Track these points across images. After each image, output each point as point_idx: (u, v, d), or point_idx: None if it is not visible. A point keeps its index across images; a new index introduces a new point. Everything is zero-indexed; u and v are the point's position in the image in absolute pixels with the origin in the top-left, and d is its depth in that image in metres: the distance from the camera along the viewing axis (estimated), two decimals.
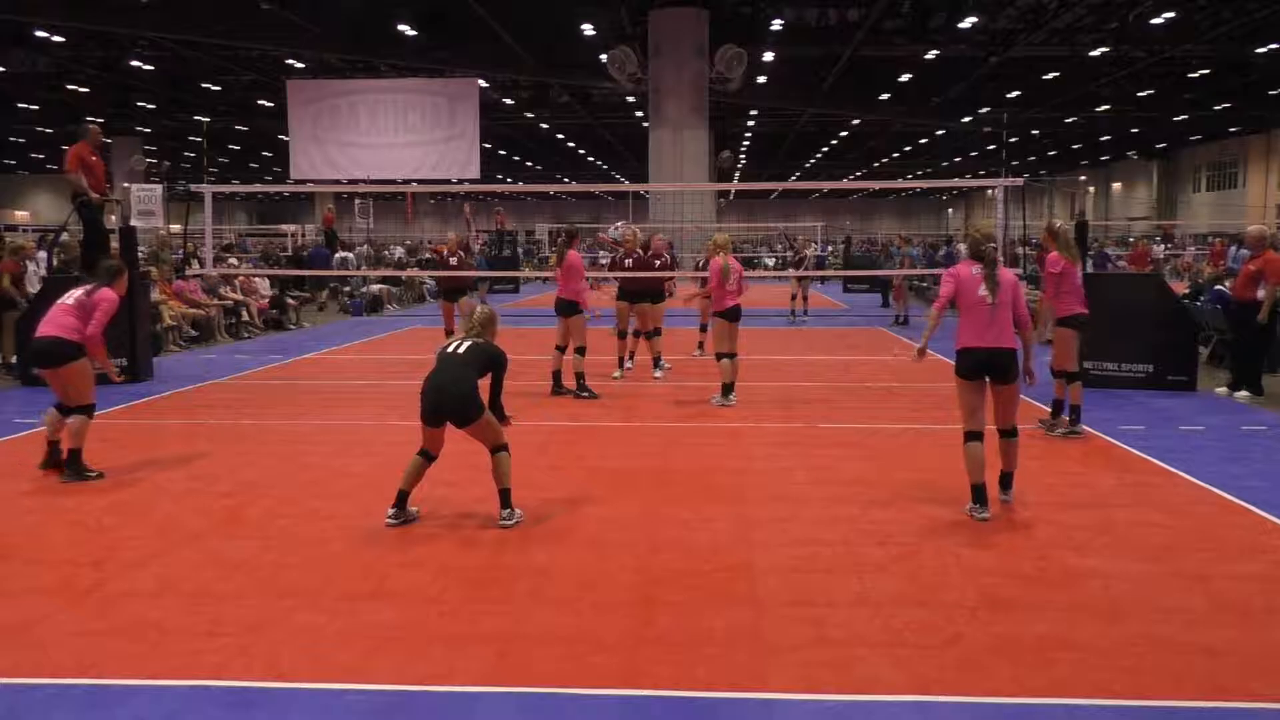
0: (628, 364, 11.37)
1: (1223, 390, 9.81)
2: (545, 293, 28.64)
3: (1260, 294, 9.38)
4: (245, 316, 16.33)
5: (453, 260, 12.19)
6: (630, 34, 28.85)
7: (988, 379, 5.71)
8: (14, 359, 10.93)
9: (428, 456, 5.61)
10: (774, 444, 7.63)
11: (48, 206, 58.80)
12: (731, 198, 68.74)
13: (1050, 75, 33.73)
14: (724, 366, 9.19)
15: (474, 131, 32.59)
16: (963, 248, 7.52)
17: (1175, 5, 24.91)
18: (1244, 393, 9.62)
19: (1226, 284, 12.44)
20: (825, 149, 57.24)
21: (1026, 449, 7.36)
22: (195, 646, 3.86)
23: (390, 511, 5.51)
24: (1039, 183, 56.39)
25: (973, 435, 5.69)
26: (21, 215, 55.48)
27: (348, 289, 21.28)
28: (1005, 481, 5.95)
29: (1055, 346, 7.98)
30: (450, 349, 5.70)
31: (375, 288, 21.37)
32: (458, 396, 5.46)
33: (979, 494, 5.64)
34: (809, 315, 18.99)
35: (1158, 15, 25.66)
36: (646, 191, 32.43)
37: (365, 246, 28.73)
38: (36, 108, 40.14)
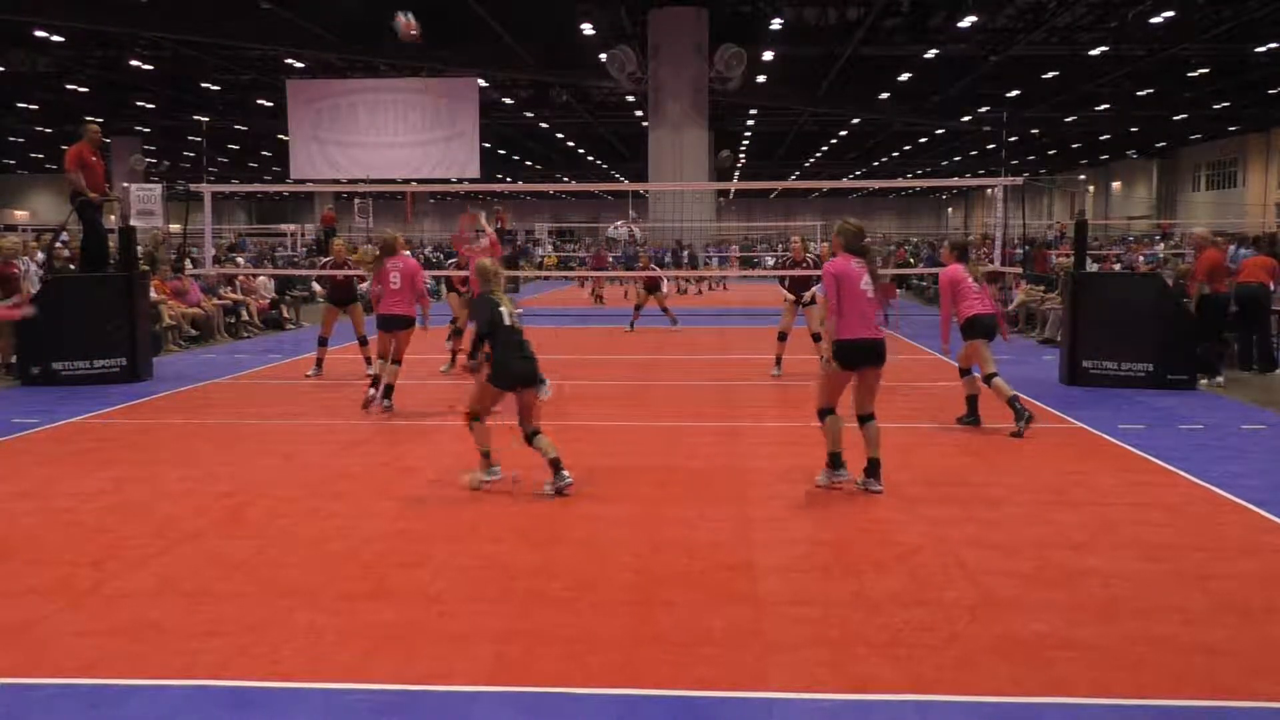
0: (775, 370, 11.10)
1: (1204, 384, 10.13)
2: (545, 292, 28.68)
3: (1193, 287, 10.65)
4: (245, 316, 16.34)
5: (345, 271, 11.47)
6: (630, 33, 28.87)
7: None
8: (14, 359, 10.93)
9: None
10: (774, 443, 7.63)
11: (47, 206, 58.79)
12: (731, 197, 68.75)
13: (1050, 74, 33.73)
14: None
15: (474, 131, 32.61)
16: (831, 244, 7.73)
17: (1175, 4, 24.90)
18: (1204, 380, 10.13)
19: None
20: (825, 148, 57.26)
21: (1026, 448, 7.38)
22: (195, 646, 3.86)
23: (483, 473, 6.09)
24: (1039, 182, 56.41)
25: (830, 411, 6.10)
26: (21, 215, 55.50)
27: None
28: (875, 469, 6.10)
29: (964, 349, 8.16)
30: (509, 320, 6.09)
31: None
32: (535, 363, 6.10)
33: (837, 460, 6.12)
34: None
35: (1157, 14, 25.66)
36: (646, 191, 32.44)
37: (367, 246, 28.70)
38: (36, 108, 40.15)
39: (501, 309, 6.08)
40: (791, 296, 11.12)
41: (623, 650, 3.84)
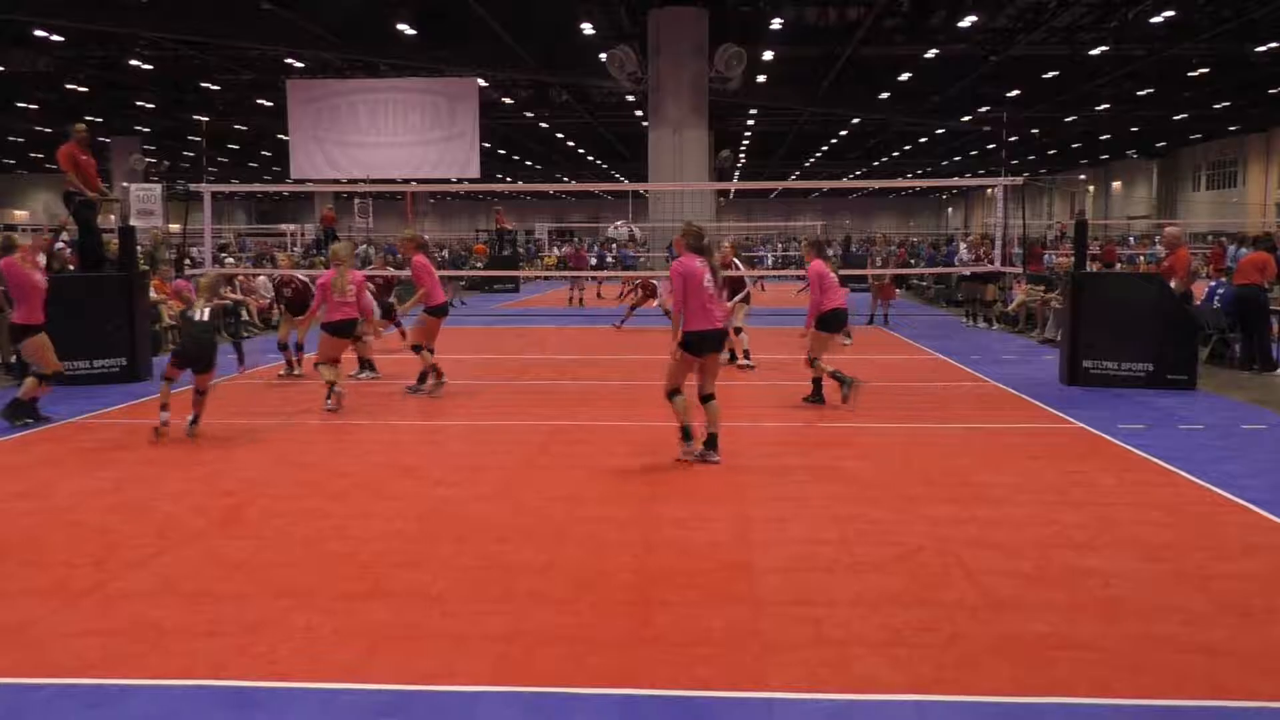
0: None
1: None
2: (546, 292, 28.67)
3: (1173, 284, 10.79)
4: (245, 316, 16.33)
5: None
6: (630, 33, 28.85)
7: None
8: (14, 359, 10.92)
9: None
10: (774, 443, 7.63)
11: (47, 206, 58.77)
12: (731, 197, 68.72)
13: (1050, 74, 33.72)
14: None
15: (474, 131, 32.60)
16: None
17: (1175, 4, 24.88)
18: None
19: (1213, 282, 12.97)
20: (825, 148, 57.23)
21: (1026, 448, 7.38)
22: (195, 646, 3.86)
23: None
24: (1039, 182, 56.43)
25: (677, 392, 6.84)
26: (21, 215, 55.50)
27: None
28: (713, 442, 6.82)
29: (811, 339, 9.04)
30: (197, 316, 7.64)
31: (372, 287, 21.32)
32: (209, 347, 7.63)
33: (689, 433, 6.85)
34: None
35: (1157, 14, 25.64)
36: (646, 191, 32.43)
37: (367, 247, 28.74)
38: (36, 108, 40.14)
39: (190, 311, 7.70)
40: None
41: (622, 650, 3.84)
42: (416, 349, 9.70)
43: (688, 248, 6.83)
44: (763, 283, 26.97)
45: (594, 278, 26.11)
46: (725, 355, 12.71)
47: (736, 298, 11.81)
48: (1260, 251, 12.19)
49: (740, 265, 12.50)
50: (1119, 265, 26.89)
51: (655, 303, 16.31)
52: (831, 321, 8.95)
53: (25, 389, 8.05)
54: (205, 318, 7.66)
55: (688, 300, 6.62)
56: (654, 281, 16.75)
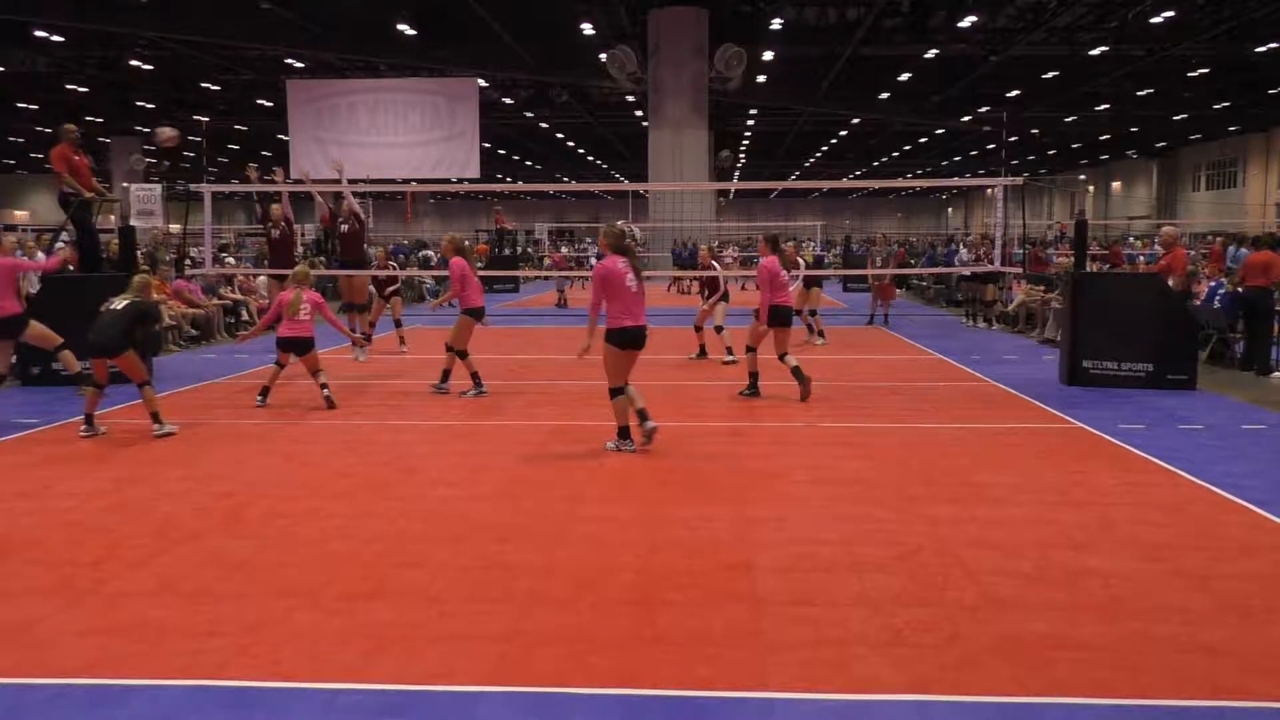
0: None
1: None
2: (545, 292, 28.66)
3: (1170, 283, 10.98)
4: (245, 316, 16.33)
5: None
6: (630, 33, 28.86)
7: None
8: (14, 359, 10.91)
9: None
10: (774, 443, 7.63)
11: (47, 207, 58.71)
12: (731, 197, 68.73)
13: (1050, 74, 33.72)
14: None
15: (474, 131, 32.61)
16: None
17: (1175, 4, 24.90)
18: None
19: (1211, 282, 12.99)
20: (825, 148, 57.25)
21: (1026, 448, 7.38)
22: (195, 646, 3.86)
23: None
24: (1039, 182, 56.41)
25: (621, 390, 7.14)
26: (21, 215, 55.50)
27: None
28: (644, 414, 7.21)
29: (758, 329, 9.47)
30: (104, 308, 7.92)
31: (371, 287, 21.31)
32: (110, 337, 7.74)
33: (626, 433, 7.19)
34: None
35: (1157, 14, 25.65)
36: (646, 191, 32.44)
37: (368, 247, 28.71)
38: (36, 108, 40.14)
39: (110, 302, 7.96)
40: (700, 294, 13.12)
41: (623, 650, 3.84)
42: (450, 349, 9.85)
43: (610, 249, 7.17)
44: (745, 283, 27.02)
45: (579, 278, 26.38)
46: (700, 355, 13.20)
47: (714, 297, 12.29)
48: (1265, 251, 12.05)
49: (717, 266, 12.91)
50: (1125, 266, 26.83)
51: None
52: (774, 317, 9.33)
53: (86, 402, 8.06)
54: (118, 309, 7.86)
55: (611, 300, 6.98)
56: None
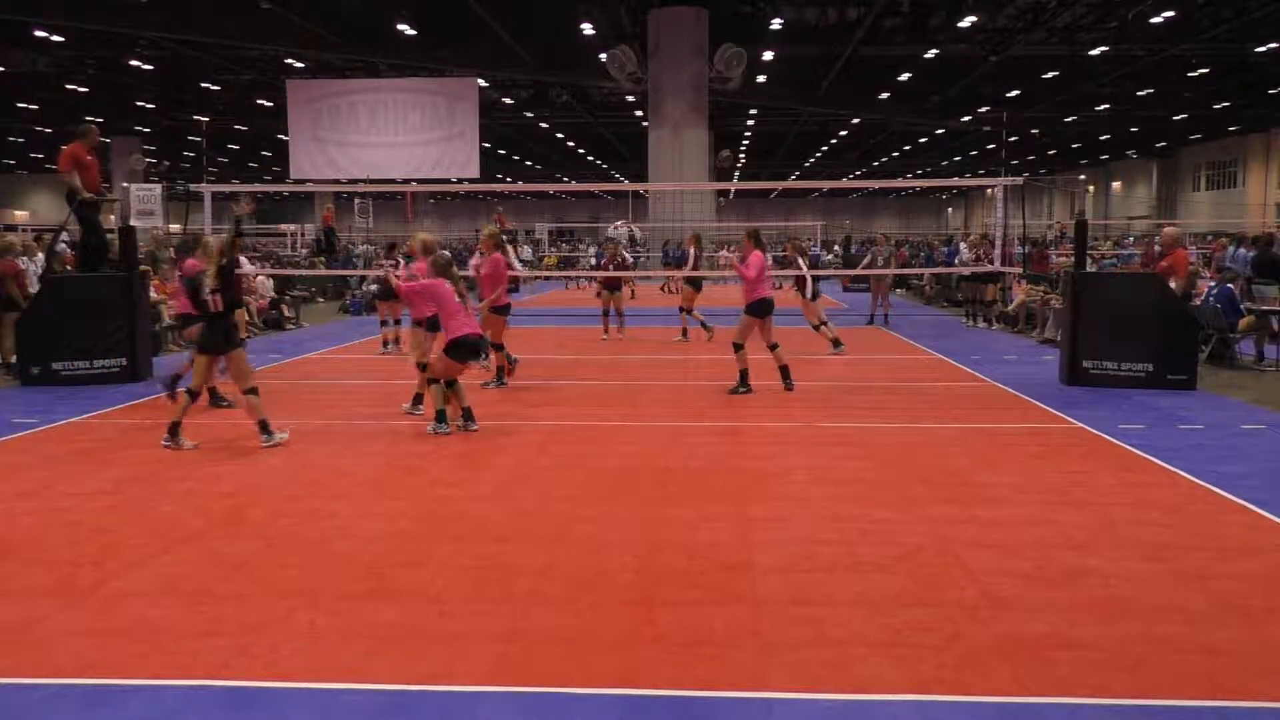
0: None
1: None
2: (546, 292, 28.68)
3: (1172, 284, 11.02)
4: (245, 316, 16.30)
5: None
6: (630, 33, 28.86)
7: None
8: (14, 359, 10.92)
9: None
10: (774, 443, 7.63)
11: (47, 206, 58.78)
12: (731, 197, 68.69)
13: (1050, 74, 33.72)
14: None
15: (473, 131, 32.61)
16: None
17: (1175, 4, 24.91)
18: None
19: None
20: (825, 148, 57.23)
21: (1026, 448, 7.38)
22: (195, 646, 3.86)
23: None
24: (1039, 182, 56.43)
25: (453, 383, 7.99)
26: (21, 215, 55.50)
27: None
28: (469, 415, 8.00)
29: (743, 323, 9.74)
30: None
31: (374, 287, 21.32)
32: None
33: (443, 416, 7.93)
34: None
35: (1157, 14, 25.66)
36: (646, 191, 32.44)
37: (366, 246, 28.73)
38: (36, 108, 40.14)
39: None
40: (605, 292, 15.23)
41: (623, 650, 3.84)
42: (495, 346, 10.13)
43: (436, 274, 8.02)
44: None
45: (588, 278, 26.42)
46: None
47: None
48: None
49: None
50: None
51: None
52: (758, 309, 9.64)
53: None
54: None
55: (447, 317, 7.86)
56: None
